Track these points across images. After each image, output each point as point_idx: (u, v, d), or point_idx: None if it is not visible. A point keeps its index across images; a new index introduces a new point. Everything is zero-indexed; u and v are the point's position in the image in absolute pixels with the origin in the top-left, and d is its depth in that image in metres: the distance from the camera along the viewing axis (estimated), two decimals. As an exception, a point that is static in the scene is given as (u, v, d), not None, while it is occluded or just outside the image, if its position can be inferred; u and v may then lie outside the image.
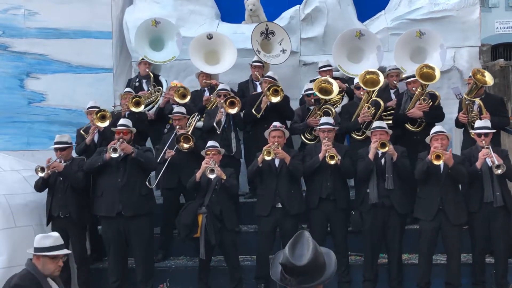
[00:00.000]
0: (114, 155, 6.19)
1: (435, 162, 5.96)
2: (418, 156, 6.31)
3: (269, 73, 7.67)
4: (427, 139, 6.25)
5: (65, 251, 4.39)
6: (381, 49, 8.09)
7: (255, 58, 8.10)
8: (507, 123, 7.13)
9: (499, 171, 5.97)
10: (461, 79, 8.33)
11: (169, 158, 6.84)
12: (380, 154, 6.31)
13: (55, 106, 8.99)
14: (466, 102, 6.87)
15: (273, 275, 2.68)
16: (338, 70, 8.07)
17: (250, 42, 8.09)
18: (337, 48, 8.08)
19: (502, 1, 17.22)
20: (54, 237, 4.37)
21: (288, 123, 7.50)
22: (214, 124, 7.18)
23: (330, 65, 7.93)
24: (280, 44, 8.31)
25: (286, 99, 7.55)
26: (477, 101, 6.80)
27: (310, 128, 7.18)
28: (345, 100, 7.71)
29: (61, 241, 4.38)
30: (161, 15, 8.62)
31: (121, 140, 6.31)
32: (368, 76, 7.07)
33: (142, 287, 6.37)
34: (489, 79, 6.89)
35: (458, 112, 7.01)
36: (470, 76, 7.12)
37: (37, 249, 4.27)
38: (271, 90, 7.19)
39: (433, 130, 6.28)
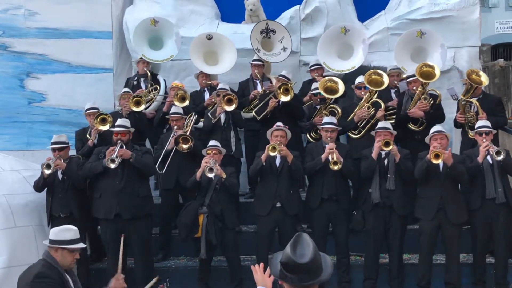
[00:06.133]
0: (113, 166, 6.18)
1: (434, 161, 5.97)
2: (418, 156, 6.32)
3: (283, 72, 7.61)
4: (427, 139, 6.27)
5: (82, 245, 4.40)
6: (366, 42, 8.13)
7: (255, 57, 8.11)
8: (504, 123, 7.14)
9: (500, 157, 5.98)
10: (461, 79, 8.34)
11: (174, 149, 6.84)
12: (383, 155, 6.33)
13: (55, 106, 8.99)
14: (463, 103, 6.89)
15: (274, 274, 2.80)
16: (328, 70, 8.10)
17: (250, 40, 8.10)
18: (323, 46, 8.14)
19: (502, 1, 17.25)
20: (74, 231, 4.37)
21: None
22: (209, 114, 7.17)
23: (319, 64, 7.98)
24: (281, 42, 8.31)
25: (298, 99, 7.52)
26: (474, 101, 6.81)
27: (316, 127, 7.17)
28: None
29: (78, 235, 4.40)
30: (161, 15, 8.63)
31: (119, 143, 6.31)
32: (373, 76, 7.07)
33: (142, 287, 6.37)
34: (484, 79, 6.92)
35: (457, 113, 7.03)
36: None
37: (57, 242, 4.24)
38: (281, 89, 7.14)
39: (432, 129, 6.29)
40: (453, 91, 7.25)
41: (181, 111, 7.21)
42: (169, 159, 6.86)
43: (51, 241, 4.26)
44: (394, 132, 6.39)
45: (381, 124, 6.52)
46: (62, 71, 9.01)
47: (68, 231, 4.33)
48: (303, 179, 7.35)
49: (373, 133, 6.53)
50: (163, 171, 6.87)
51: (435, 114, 7.01)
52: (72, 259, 4.30)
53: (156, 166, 6.78)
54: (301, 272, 2.65)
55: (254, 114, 7.36)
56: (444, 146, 6.11)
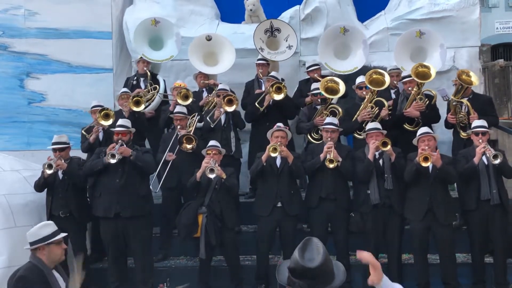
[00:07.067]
0: (113, 161, 6.20)
1: (423, 164, 5.96)
2: (407, 157, 6.31)
3: (272, 73, 7.65)
4: (414, 141, 6.25)
5: (63, 234, 4.32)
6: (366, 43, 8.12)
7: (260, 56, 8.11)
8: (496, 122, 7.15)
9: (497, 161, 5.97)
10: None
11: (171, 161, 6.87)
12: (377, 156, 6.33)
13: (55, 106, 9.01)
14: (454, 103, 6.89)
15: (281, 281, 2.69)
16: (327, 69, 8.09)
17: (252, 40, 8.10)
18: (322, 46, 8.14)
19: (502, 1, 17.23)
20: (51, 224, 4.34)
21: (289, 122, 7.50)
22: (207, 118, 7.19)
23: (317, 64, 7.97)
24: (287, 40, 8.30)
25: (289, 98, 7.54)
26: (464, 101, 6.81)
27: (317, 127, 7.18)
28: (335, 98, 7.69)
29: (56, 227, 4.33)
30: (161, 15, 8.64)
31: (120, 142, 6.33)
32: (374, 76, 7.07)
33: (142, 287, 6.37)
34: (474, 79, 6.91)
35: (447, 113, 7.03)
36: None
37: (40, 240, 4.16)
38: (274, 88, 7.18)
39: (420, 131, 6.29)
40: (443, 92, 7.26)
41: (185, 110, 7.22)
42: (163, 177, 6.92)
43: (33, 242, 4.17)
44: (385, 132, 6.39)
45: (371, 125, 6.51)
46: (62, 71, 9.03)
47: (47, 226, 4.28)
48: (305, 180, 7.35)
49: (363, 134, 6.54)
50: (157, 190, 6.96)
51: (431, 114, 7.02)
52: (61, 250, 4.24)
53: (151, 185, 6.84)
54: (310, 278, 2.54)
55: (257, 105, 7.36)
56: (432, 148, 6.09)
